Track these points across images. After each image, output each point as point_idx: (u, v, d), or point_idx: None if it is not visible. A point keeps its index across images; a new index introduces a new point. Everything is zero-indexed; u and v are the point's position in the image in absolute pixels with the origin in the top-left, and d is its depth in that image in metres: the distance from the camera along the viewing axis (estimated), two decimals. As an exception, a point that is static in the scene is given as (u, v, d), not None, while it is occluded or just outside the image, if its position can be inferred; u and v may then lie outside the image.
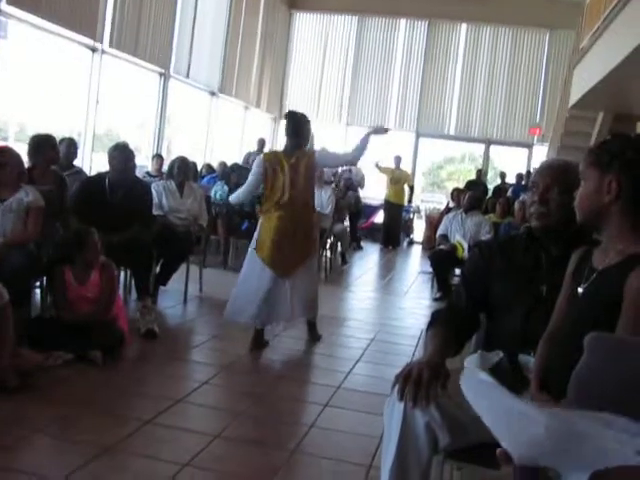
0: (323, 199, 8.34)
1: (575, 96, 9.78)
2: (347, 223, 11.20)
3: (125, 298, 5.64)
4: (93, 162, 9.55)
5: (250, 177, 5.09)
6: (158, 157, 9.93)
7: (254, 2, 14.29)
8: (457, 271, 7.39)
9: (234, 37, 13.57)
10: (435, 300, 7.58)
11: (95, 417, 3.36)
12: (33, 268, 4.39)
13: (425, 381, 1.99)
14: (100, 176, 5.57)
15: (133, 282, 5.49)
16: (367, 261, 11.46)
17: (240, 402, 3.83)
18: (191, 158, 8.31)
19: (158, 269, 5.85)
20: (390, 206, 13.05)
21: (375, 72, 16.13)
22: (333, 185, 10.43)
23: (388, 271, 10.83)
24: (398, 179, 13.05)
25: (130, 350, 4.51)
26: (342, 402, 3.94)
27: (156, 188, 6.29)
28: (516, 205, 7.90)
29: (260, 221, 5.06)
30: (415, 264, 11.79)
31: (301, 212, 4.96)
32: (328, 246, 9.27)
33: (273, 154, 5.07)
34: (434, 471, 2.10)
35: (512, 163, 15.74)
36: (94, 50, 9.24)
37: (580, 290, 1.90)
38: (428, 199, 18.28)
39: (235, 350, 4.83)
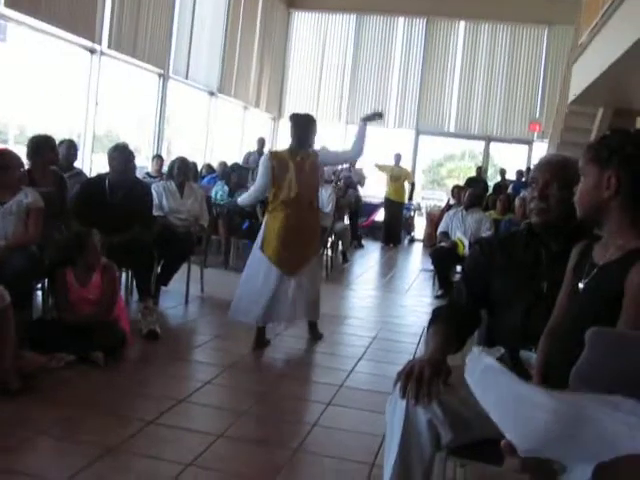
0: (323, 197, 8.33)
1: (575, 92, 9.77)
2: (347, 222, 11.19)
3: (127, 299, 5.65)
4: (93, 163, 9.56)
5: (258, 179, 5.05)
6: (158, 158, 9.94)
7: (252, 2, 14.29)
8: (458, 268, 7.40)
9: (233, 37, 13.57)
10: (436, 297, 7.58)
11: (98, 418, 3.36)
12: (35, 270, 4.40)
13: (427, 378, 1.99)
14: (100, 177, 5.57)
15: (134, 283, 5.50)
16: (368, 259, 11.46)
17: (243, 401, 3.83)
18: (191, 158, 8.32)
19: (159, 270, 5.85)
20: (390, 204, 13.04)
21: (374, 70, 16.13)
22: (333, 184, 10.42)
23: (389, 269, 10.83)
24: (398, 176, 13.04)
25: (132, 351, 4.51)
26: (344, 400, 3.95)
27: (156, 189, 6.29)
28: (516, 202, 7.90)
29: (265, 219, 5.06)
30: (416, 262, 11.80)
31: (307, 211, 4.98)
32: (329, 245, 9.27)
33: (278, 153, 5.06)
34: (437, 468, 2.10)
35: (512, 160, 15.75)
36: (93, 52, 9.25)
37: (581, 285, 1.91)
38: (428, 196, 18.29)
39: (237, 350, 4.83)
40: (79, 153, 6.85)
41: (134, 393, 3.83)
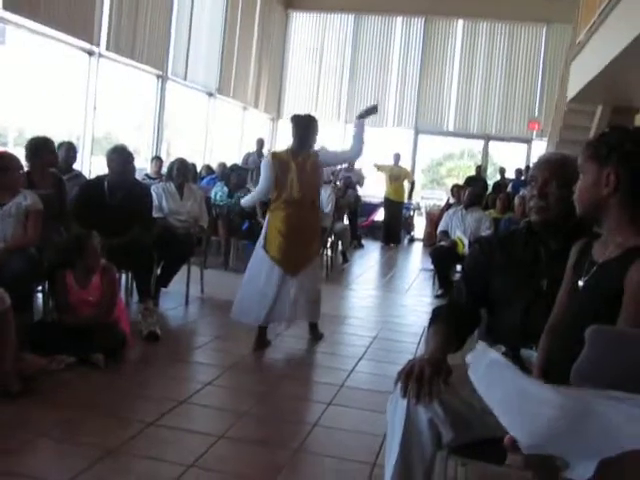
0: (323, 198, 8.31)
1: (573, 90, 9.78)
2: (346, 222, 11.19)
3: (127, 301, 5.65)
4: (92, 165, 9.55)
5: (261, 180, 5.04)
6: (157, 159, 9.93)
7: (250, 2, 14.28)
8: (458, 267, 7.39)
9: (231, 38, 13.57)
10: (437, 297, 7.57)
11: (98, 420, 3.36)
12: (34, 273, 4.40)
13: (427, 377, 1.99)
14: (99, 179, 5.56)
15: (134, 285, 5.49)
16: (368, 259, 11.46)
17: (243, 402, 3.83)
18: (190, 160, 8.31)
19: (159, 271, 5.85)
20: (390, 204, 13.04)
21: (373, 70, 16.13)
22: (332, 184, 10.42)
23: (389, 269, 10.82)
24: (397, 176, 13.04)
25: (132, 352, 4.51)
26: (345, 400, 3.95)
27: (156, 190, 6.29)
28: (516, 200, 7.89)
29: (267, 219, 5.06)
30: (416, 261, 11.79)
31: (308, 210, 4.99)
32: (329, 245, 9.27)
33: (280, 154, 5.05)
34: (438, 467, 2.10)
35: (511, 158, 15.75)
36: (91, 54, 9.24)
37: (580, 283, 1.91)
38: (428, 196, 18.28)
39: (238, 350, 4.83)
40: (78, 155, 6.86)
41: (134, 395, 3.83)
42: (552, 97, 14.05)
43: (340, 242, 9.97)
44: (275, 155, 5.04)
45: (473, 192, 8.25)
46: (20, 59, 9.10)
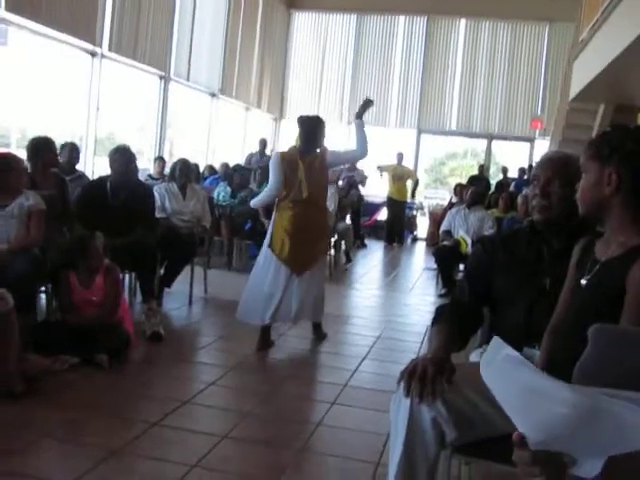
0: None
1: (576, 89, 9.77)
2: (348, 221, 11.19)
3: (130, 301, 5.65)
4: (95, 166, 9.56)
5: (272, 181, 4.98)
6: (160, 160, 9.95)
7: (252, 3, 14.29)
8: (461, 267, 7.39)
9: (233, 38, 13.57)
10: (440, 296, 7.57)
11: (102, 420, 3.36)
12: (38, 273, 4.40)
13: (430, 377, 1.98)
14: (102, 180, 5.57)
15: (138, 285, 5.50)
16: (371, 259, 11.47)
17: (247, 402, 3.83)
18: (193, 160, 8.33)
19: (162, 271, 5.85)
20: (393, 203, 13.05)
21: (375, 69, 16.12)
22: (335, 183, 10.41)
23: (392, 268, 10.82)
24: (401, 176, 13.04)
25: (136, 353, 4.52)
26: (349, 400, 3.95)
27: (158, 191, 6.30)
28: (519, 199, 7.89)
29: (273, 218, 5.05)
30: (419, 261, 11.80)
31: (316, 210, 4.99)
32: (332, 244, 9.27)
33: (288, 153, 5.03)
34: (442, 466, 2.10)
35: (514, 157, 15.73)
36: (94, 54, 9.25)
37: (583, 282, 1.91)
38: (431, 195, 18.27)
39: (241, 350, 4.83)
40: (81, 156, 6.87)
41: (138, 395, 3.83)
42: (555, 96, 14.04)
43: (343, 242, 9.97)
44: (284, 155, 5.02)
45: (476, 191, 8.25)
46: (22, 60, 9.11)
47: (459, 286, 2.49)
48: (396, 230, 13.12)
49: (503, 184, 12.41)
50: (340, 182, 11.20)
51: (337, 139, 14.41)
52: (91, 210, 5.18)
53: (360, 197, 12.38)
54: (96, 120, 9.57)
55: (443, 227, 8.08)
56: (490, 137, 15.83)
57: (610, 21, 7.41)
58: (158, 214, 5.97)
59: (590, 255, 1.93)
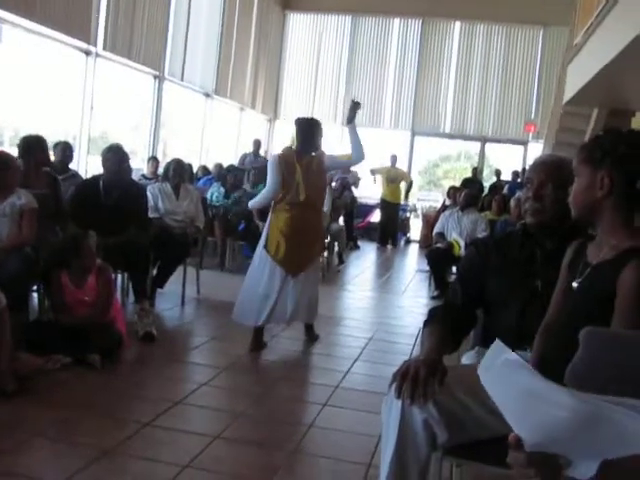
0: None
1: (570, 92, 9.79)
2: (342, 223, 11.20)
3: (123, 301, 5.64)
4: (89, 165, 9.54)
5: (270, 182, 4.95)
6: (153, 160, 9.94)
7: (247, 3, 14.29)
8: (454, 269, 7.40)
9: (228, 39, 13.57)
10: (433, 298, 7.59)
11: (94, 420, 3.36)
12: (30, 272, 4.39)
13: (422, 378, 1.99)
14: (94, 179, 5.56)
15: (130, 285, 5.49)
16: (364, 260, 11.47)
17: (239, 403, 3.83)
18: (187, 160, 8.31)
19: (155, 272, 5.84)
20: (386, 205, 13.07)
21: (370, 71, 16.14)
22: (328, 185, 10.41)
23: (385, 270, 10.83)
24: (394, 178, 13.06)
25: (128, 353, 4.51)
26: (341, 401, 3.95)
27: (152, 191, 6.29)
28: (512, 202, 7.89)
29: (269, 219, 5.04)
30: (412, 263, 11.81)
31: (312, 212, 4.99)
32: (325, 246, 9.27)
33: (286, 155, 5.01)
34: (433, 468, 2.10)
35: (507, 160, 15.78)
36: (88, 53, 9.23)
37: (575, 285, 1.91)
38: (424, 197, 18.30)
39: (234, 351, 4.83)
40: (74, 155, 6.85)
41: (130, 395, 3.83)
42: (548, 99, 14.07)
43: (336, 243, 9.97)
44: (282, 156, 5.00)
45: (469, 194, 8.27)
46: (16, 58, 9.08)
47: (452, 288, 2.49)
48: (389, 232, 13.14)
49: (496, 187, 12.44)
50: (333, 183, 11.20)
51: (331, 140, 14.41)
52: (84, 209, 5.17)
53: (353, 199, 12.39)
54: (90, 119, 9.55)
55: (436, 229, 8.10)
56: (484, 140, 15.87)
57: (604, 25, 7.44)
58: (151, 214, 5.97)
59: (582, 258, 1.94)
